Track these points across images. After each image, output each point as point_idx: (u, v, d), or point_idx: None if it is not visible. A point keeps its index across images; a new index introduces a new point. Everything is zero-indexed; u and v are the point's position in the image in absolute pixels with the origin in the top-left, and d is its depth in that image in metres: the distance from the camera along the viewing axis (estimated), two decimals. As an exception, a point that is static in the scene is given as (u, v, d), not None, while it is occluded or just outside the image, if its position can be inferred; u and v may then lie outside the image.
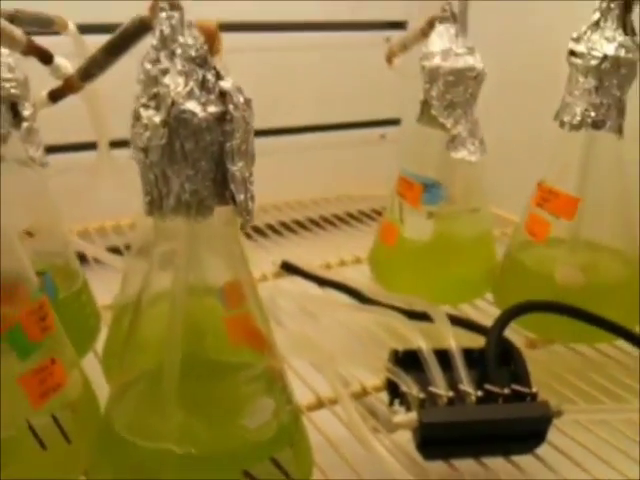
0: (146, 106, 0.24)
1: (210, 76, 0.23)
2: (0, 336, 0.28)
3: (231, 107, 0.23)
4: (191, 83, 0.23)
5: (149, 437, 0.27)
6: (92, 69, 0.36)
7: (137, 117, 0.24)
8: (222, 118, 0.23)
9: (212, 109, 0.23)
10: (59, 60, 0.37)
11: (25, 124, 0.35)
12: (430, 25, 0.46)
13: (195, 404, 0.27)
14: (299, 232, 0.67)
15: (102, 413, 0.29)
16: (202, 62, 0.23)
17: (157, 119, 0.23)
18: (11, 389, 0.28)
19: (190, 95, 0.23)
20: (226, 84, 0.23)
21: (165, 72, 0.24)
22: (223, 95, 0.23)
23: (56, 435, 0.29)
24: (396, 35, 0.70)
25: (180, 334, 0.27)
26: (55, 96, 0.38)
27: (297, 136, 0.70)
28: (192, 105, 0.23)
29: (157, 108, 0.23)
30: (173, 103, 0.23)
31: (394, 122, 0.75)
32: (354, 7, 0.69)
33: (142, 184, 0.25)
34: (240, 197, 0.24)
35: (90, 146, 0.50)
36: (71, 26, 0.43)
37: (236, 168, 0.24)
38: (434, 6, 0.69)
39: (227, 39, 0.66)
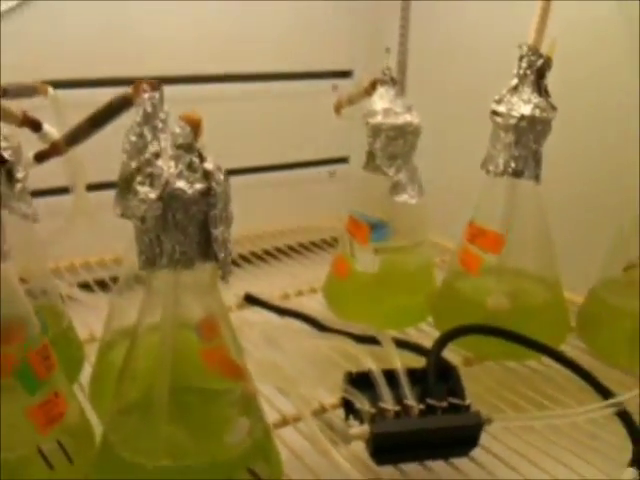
0: (142, 183, 0.29)
1: (195, 159, 0.29)
2: (11, 373, 0.32)
3: (213, 183, 0.29)
4: (180, 166, 0.28)
5: (143, 454, 0.32)
6: (78, 136, 0.41)
7: (135, 192, 0.29)
8: (206, 193, 0.29)
9: (198, 186, 0.28)
10: (47, 127, 0.42)
11: (19, 185, 0.40)
12: (372, 86, 0.52)
13: (182, 424, 0.32)
14: (257, 264, 0.71)
15: (100, 435, 0.34)
16: (188, 148, 0.29)
17: (153, 195, 0.28)
18: (23, 419, 0.32)
19: (180, 175, 0.28)
20: (209, 165, 0.29)
21: (157, 155, 0.29)
22: (207, 174, 0.29)
23: (61, 457, 0.33)
24: (343, 83, 0.77)
25: (169, 366, 0.32)
26: (41, 157, 0.43)
27: (253, 175, 0.75)
28: (182, 184, 0.28)
29: (152, 185, 0.29)
30: (167, 182, 0.28)
31: (342, 160, 0.81)
32: (304, 58, 0.75)
33: (137, 245, 0.30)
34: (221, 255, 0.29)
35: (61, 190, 0.54)
36: (51, 91, 0.48)
37: (218, 232, 0.29)
38: (377, 57, 0.76)
39: (190, 90, 0.72)
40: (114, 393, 0.34)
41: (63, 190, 0.53)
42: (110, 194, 0.52)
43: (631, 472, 0.39)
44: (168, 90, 0.40)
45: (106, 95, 0.64)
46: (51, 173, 0.49)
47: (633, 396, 0.43)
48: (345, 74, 0.78)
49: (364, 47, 0.78)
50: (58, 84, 0.49)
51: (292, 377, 0.44)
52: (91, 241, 0.61)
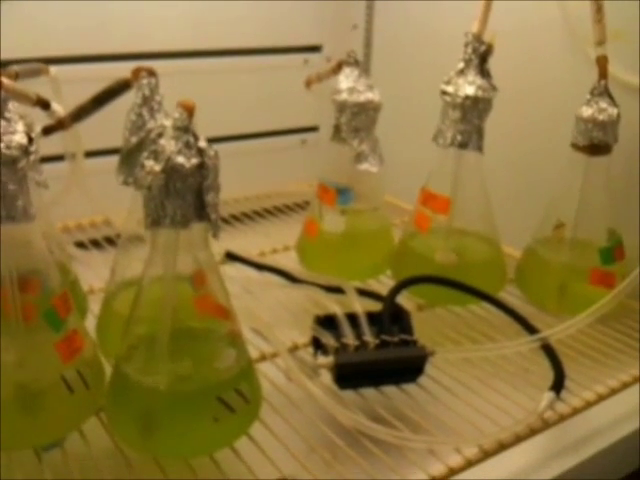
0: (148, 159, 0.35)
1: (191, 138, 0.35)
2: (37, 316, 0.39)
3: (206, 158, 0.35)
4: (179, 144, 0.35)
5: (149, 378, 0.39)
6: (81, 114, 0.47)
7: (142, 166, 0.36)
8: (201, 166, 0.35)
9: (194, 161, 0.35)
10: (55, 106, 0.48)
11: (32, 157, 0.46)
12: (339, 66, 0.58)
13: (181, 355, 0.40)
14: (236, 226, 0.77)
15: (113, 366, 0.41)
16: (185, 129, 0.35)
17: (157, 168, 0.35)
18: (49, 352, 0.39)
19: (179, 152, 0.35)
20: (202, 143, 0.36)
21: (160, 135, 0.36)
22: (200, 151, 0.36)
23: (79, 383, 0.40)
24: (313, 57, 0.82)
25: (170, 309, 0.39)
26: (48, 131, 0.49)
27: (230, 143, 0.80)
28: (181, 159, 0.35)
29: (156, 160, 0.35)
30: (169, 158, 0.35)
31: (313, 129, 0.86)
32: (276, 34, 0.80)
33: (145, 209, 0.37)
34: (213, 216, 0.36)
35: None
36: (52, 71, 0.54)
37: (210, 197, 0.36)
38: (345, 33, 0.82)
39: (169, 64, 0.78)
40: (123, 332, 0.41)
41: (57, 158, 0.58)
42: (98, 161, 0.59)
43: (549, 395, 0.47)
44: (151, 64, 0.46)
45: (95, 71, 0.70)
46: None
47: (556, 332, 0.50)
48: (315, 49, 0.83)
49: (333, 23, 0.84)
50: (50, 61, 0.54)
51: (269, 321, 0.51)
52: (82, 205, 0.67)
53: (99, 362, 0.43)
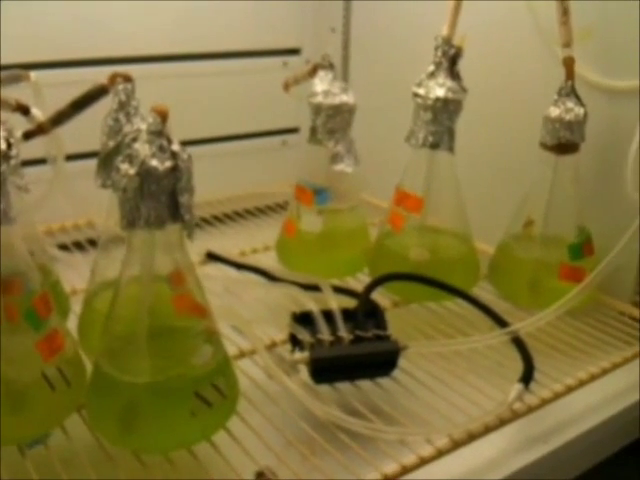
0: (123, 162, 0.37)
1: (165, 142, 0.37)
2: (18, 317, 0.40)
3: (179, 161, 0.37)
4: (153, 148, 0.36)
5: (128, 375, 0.40)
6: (61, 118, 0.48)
7: (117, 169, 0.37)
8: (174, 169, 0.37)
9: (167, 164, 0.36)
10: (34, 111, 0.49)
11: (13, 161, 0.47)
12: (314, 70, 0.60)
13: (159, 351, 0.41)
14: (217, 226, 0.78)
15: (93, 364, 0.42)
16: (159, 134, 0.37)
17: (132, 171, 0.36)
18: (30, 351, 0.40)
19: (153, 156, 0.36)
20: (175, 147, 0.37)
21: (135, 140, 0.37)
22: (173, 154, 0.37)
23: (60, 381, 0.41)
24: (292, 59, 0.84)
25: (147, 307, 0.40)
26: (28, 136, 0.50)
27: (212, 145, 0.81)
28: (155, 162, 0.36)
29: (131, 164, 0.36)
30: (143, 161, 0.36)
31: (293, 130, 0.88)
32: (256, 38, 0.81)
33: (120, 211, 0.38)
34: (187, 217, 0.38)
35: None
36: (32, 77, 0.55)
37: (183, 199, 0.37)
38: (323, 36, 0.84)
39: (150, 68, 0.79)
40: (103, 330, 0.42)
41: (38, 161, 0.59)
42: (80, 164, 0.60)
43: (518, 387, 0.49)
44: (128, 69, 0.47)
45: (76, 75, 0.70)
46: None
47: (525, 325, 0.52)
48: (294, 52, 0.85)
49: (311, 27, 0.85)
50: (30, 66, 0.55)
51: (248, 319, 0.52)
52: (65, 207, 0.68)
53: (80, 360, 0.44)
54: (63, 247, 0.70)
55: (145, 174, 0.36)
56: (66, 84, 0.49)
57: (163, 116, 0.37)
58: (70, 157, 0.60)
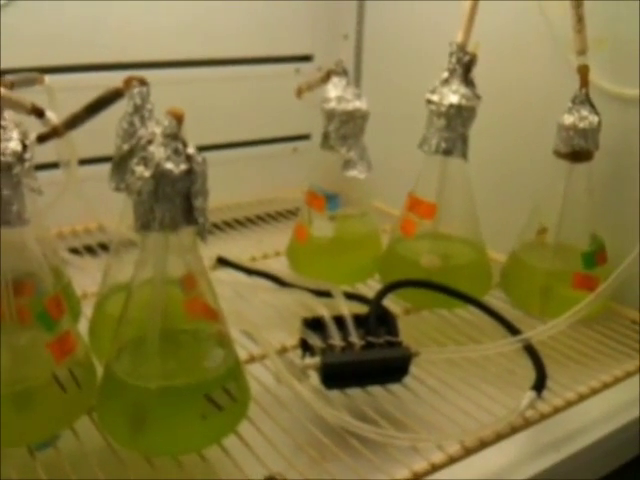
0: (138, 164, 0.37)
1: (180, 145, 0.37)
2: (31, 319, 0.40)
3: (194, 165, 0.37)
4: (168, 151, 0.36)
5: (139, 378, 0.40)
6: (75, 122, 0.48)
7: (132, 172, 0.37)
8: (189, 172, 0.37)
9: (182, 167, 0.37)
10: (49, 114, 0.49)
11: (27, 164, 0.47)
12: (327, 76, 0.60)
13: (171, 355, 0.41)
14: (228, 231, 0.78)
15: (104, 367, 0.42)
16: (174, 137, 0.37)
17: (147, 174, 0.36)
18: (42, 352, 0.40)
19: (168, 159, 0.36)
20: (190, 150, 0.37)
21: (150, 142, 0.37)
22: (188, 157, 0.37)
23: (71, 382, 0.41)
24: (304, 66, 0.84)
25: (160, 311, 0.40)
26: (43, 139, 0.50)
27: (224, 151, 0.82)
28: (170, 165, 0.36)
29: (146, 166, 0.37)
30: (158, 164, 0.36)
31: (305, 137, 0.88)
32: (269, 44, 0.82)
33: (135, 213, 0.38)
34: (200, 220, 0.38)
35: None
36: (46, 80, 0.55)
37: (198, 202, 0.37)
38: (336, 42, 0.84)
39: (163, 74, 0.79)
40: (114, 333, 0.42)
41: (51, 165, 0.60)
42: (92, 169, 0.60)
43: (531, 394, 0.48)
44: (141, 74, 0.47)
45: (89, 80, 0.71)
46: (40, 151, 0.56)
47: (537, 333, 0.51)
48: (306, 58, 0.85)
49: (324, 33, 0.85)
50: (45, 70, 0.56)
51: (258, 324, 0.52)
52: (77, 211, 0.68)
53: (91, 363, 0.44)
54: (74, 251, 0.70)
55: (160, 177, 0.36)
56: (80, 89, 0.49)
57: (179, 119, 0.37)
58: (83, 161, 0.60)
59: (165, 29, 0.75)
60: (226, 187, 0.77)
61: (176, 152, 0.37)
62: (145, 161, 0.37)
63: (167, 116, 0.37)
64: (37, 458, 0.41)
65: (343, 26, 0.86)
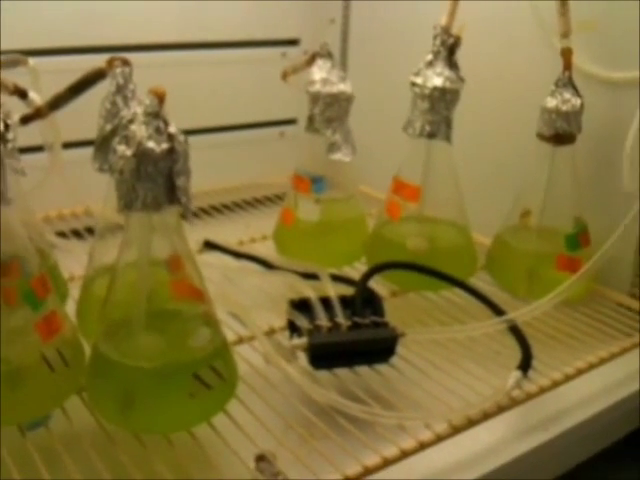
0: (120, 143, 0.37)
1: (161, 124, 0.37)
2: (16, 300, 0.40)
3: (176, 144, 0.37)
4: (150, 129, 0.36)
5: (127, 357, 0.40)
6: (58, 102, 0.48)
7: (114, 150, 0.37)
8: (170, 151, 0.37)
9: (164, 146, 0.36)
10: (32, 95, 0.49)
11: (10, 145, 0.47)
12: (312, 58, 0.60)
13: (157, 334, 0.41)
14: (215, 216, 0.78)
15: (92, 347, 0.42)
16: (156, 115, 0.37)
17: (129, 153, 0.36)
18: (29, 332, 0.40)
19: (150, 137, 0.36)
20: (172, 129, 0.37)
21: (131, 121, 0.37)
22: (170, 136, 0.37)
23: (59, 362, 0.41)
24: (291, 50, 0.84)
25: (145, 290, 0.40)
26: (26, 120, 0.50)
27: (211, 135, 0.81)
28: (152, 144, 0.36)
29: (128, 145, 0.36)
30: (140, 143, 0.36)
31: (291, 122, 0.87)
32: (255, 28, 0.81)
33: (117, 192, 0.38)
34: (183, 199, 0.38)
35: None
36: (30, 62, 0.55)
37: (180, 182, 0.37)
38: (322, 27, 0.84)
39: (148, 57, 0.79)
40: (101, 314, 0.42)
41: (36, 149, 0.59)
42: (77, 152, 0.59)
43: (517, 374, 0.49)
44: (128, 56, 0.47)
45: (74, 63, 0.70)
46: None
47: (522, 313, 0.52)
48: (293, 42, 0.84)
49: (310, 17, 0.85)
50: (29, 52, 0.55)
51: (246, 306, 0.52)
52: (63, 195, 0.67)
53: (79, 343, 0.44)
54: (61, 234, 0.70)
55: (142, 155, 0.36)
56: (64, 71, 0.49)
57: (160, 98, 0.37)
58: (67, 145, 0.60)
59: (151, 12, 0.74)
60: (213, 171, 0.78)
61: (158, 131, 0.36)
62: (127, 140, 0.36)
63: (149, 95, 0.37)
64: (28, 438, 0.42)
65: (330, 10, 0.85)
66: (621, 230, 0.52)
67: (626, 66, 0.59)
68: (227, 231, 0.72)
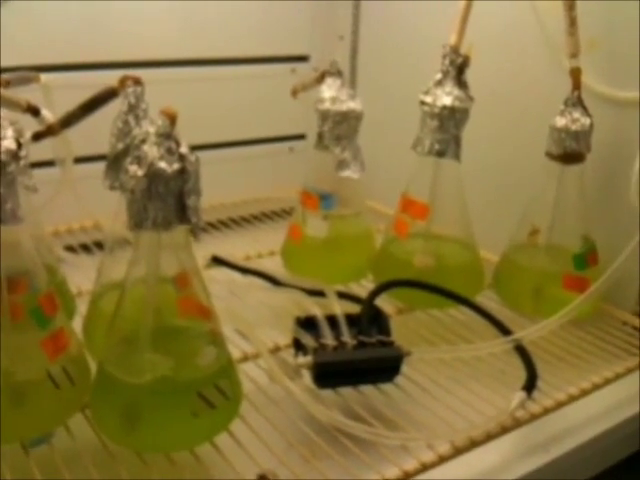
0: (132, 164, 0.37)
1: (173, 145, 0.37)
2: (24, 315, 0.41)
3: (187, 164, 0.37)
4: (161, 150, 0.37)
5: (132, 375, 0.41)
6: (70, 120, 0.49)
7: (125, 170, 0.37)
8: (182, 171, 0.37)
9: (175, 166, 0.37)
10: (44, 112, 0.49)
11: (22, 162, 0.47)
12: (322, 76, 0.60)
13: (163, 352, 0.41)
14: (223, 230, 0.79)
15: (97, 364, 0.43)
16: (167, 136, 0.37)
17: (140, 173, 0.37)
18: (36, 349, 0.41)
19: (162, 158, 0.37)
20: (183, 149, 0.37)
21: (144, 141, 0.37)
22: (181, 156, 0.37)
23: (65, 380, 0.42)
24: (300, 66, 0.84)
25: (152, 308, 0.41)
26: (38, 137, 0.51)
27: (221, 150, 0.82)
28: (163, 164, 0.36)
29: (139, 165, 0.37)
30: (151, 163, 0.36)
31: (300, 137, 0.88)
32: (265, 44, 0.82)
33: (127, 212, 0.38)
34: (194, 219, 0.38)
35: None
36: (42, 78, 0.55)
37: (191, 201, 0.38)
38: (332, 43, 0.84)
39: (159, 73, 0.79)
40: (108, 331, 0.43)
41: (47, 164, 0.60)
42: (88, 167, 0.60)
43: (521, 395, 0.49)
44: (137, 73, 0.48)
45: (86, 78, 0.71)
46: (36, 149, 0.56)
47: (528, 333, 0.52)
48: (303, 58, 0.85)
49: (320, 34, 0.85)
50: (41, 68, 0.56)
51: (252, 323, 0.52)
52: (73, 209, 0.68)
53: (84, 360, 0.45)
54: (70, 249, 0.70)
55: (153, 176, 0.36)
56: (76, 87, 0.50)
57: (172, 119, 0.37)
58: (78, 160, 0.60)
59: (162, 28, 0.75)
60: (222, 186, 0.79)
61: (169, 151, 0.37)
62: (139, 160, 0.37)
63: (160, 116, 0.37)
64: (30, 455, 0.42)
65: (339, 27, 0.86)
66: (629, 250, 0.51)
67: (634, 86, 0.59)
68: (234, 246, 0.72)
